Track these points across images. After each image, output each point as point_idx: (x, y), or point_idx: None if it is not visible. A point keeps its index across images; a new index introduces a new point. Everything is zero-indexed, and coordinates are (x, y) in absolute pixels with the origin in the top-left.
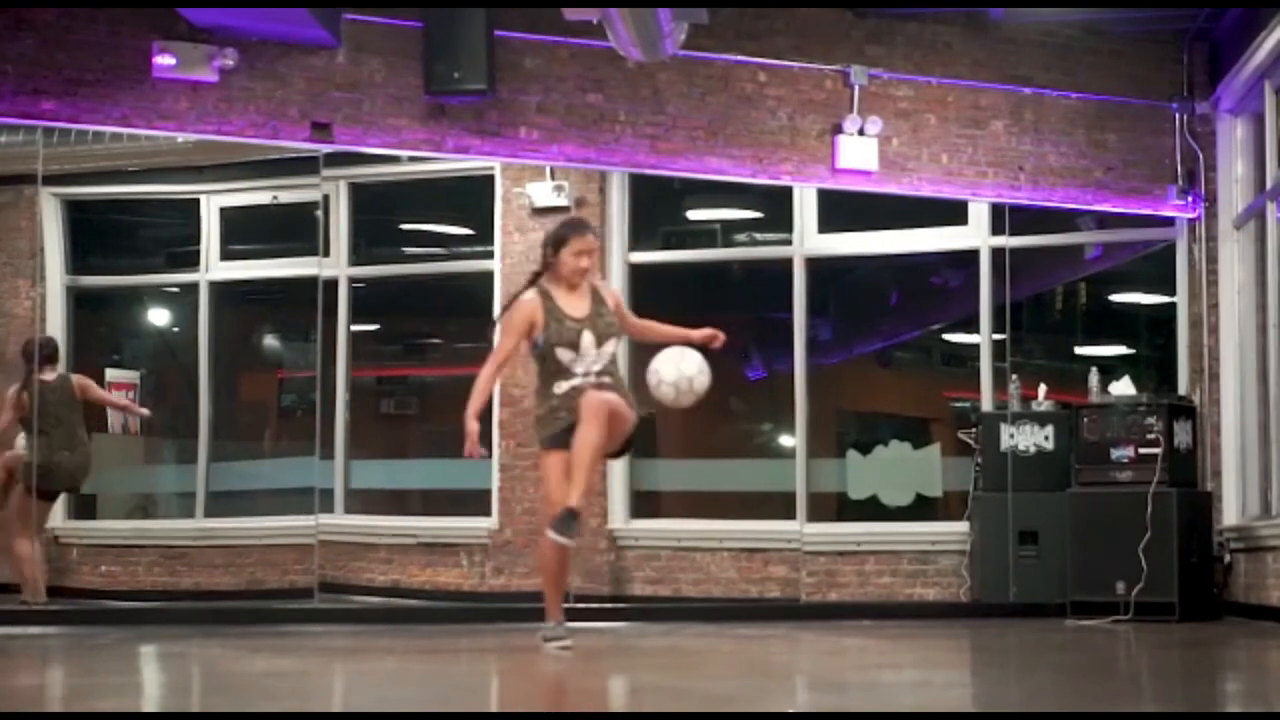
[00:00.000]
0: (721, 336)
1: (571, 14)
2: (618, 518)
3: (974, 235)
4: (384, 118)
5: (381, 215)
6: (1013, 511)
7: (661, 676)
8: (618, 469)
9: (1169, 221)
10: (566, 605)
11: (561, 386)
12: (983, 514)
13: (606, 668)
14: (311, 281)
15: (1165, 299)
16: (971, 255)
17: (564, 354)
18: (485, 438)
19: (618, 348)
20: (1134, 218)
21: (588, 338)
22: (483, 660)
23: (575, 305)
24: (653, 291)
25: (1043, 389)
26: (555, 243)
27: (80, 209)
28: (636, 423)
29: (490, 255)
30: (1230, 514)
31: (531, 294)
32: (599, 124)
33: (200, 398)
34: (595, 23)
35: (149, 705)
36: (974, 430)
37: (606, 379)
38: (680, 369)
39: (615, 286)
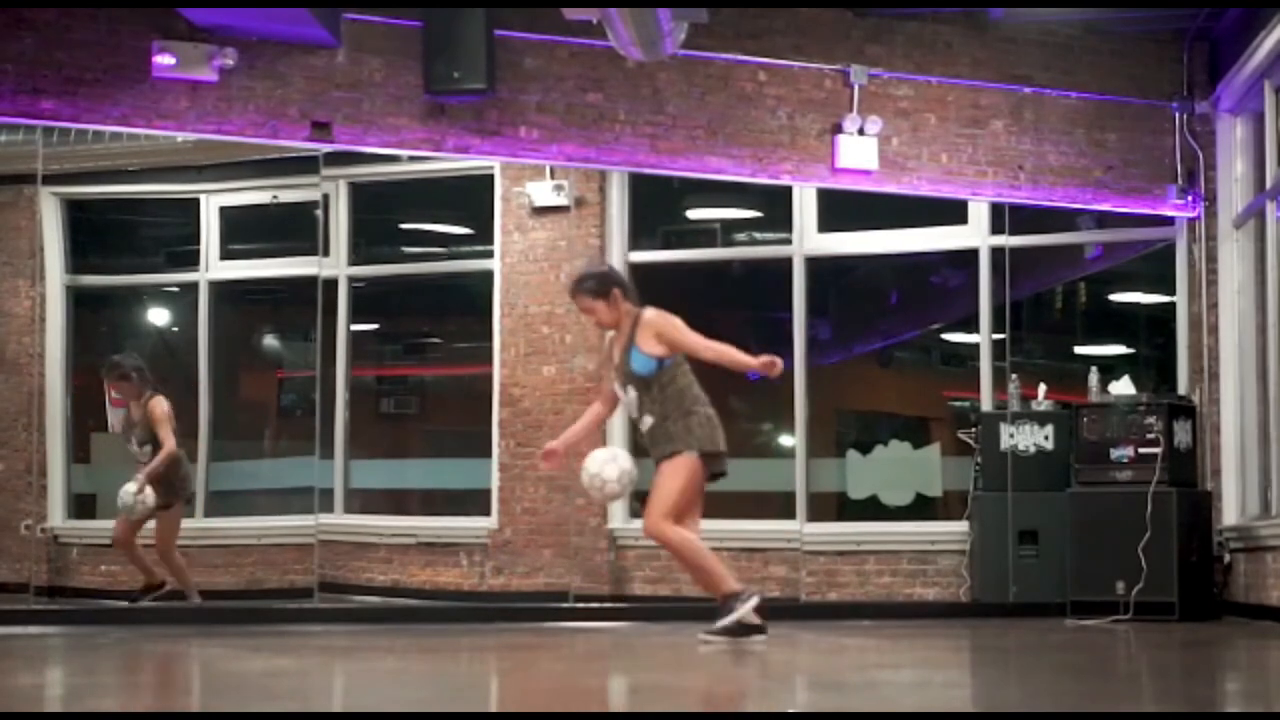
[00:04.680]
0: (777, 366)
1: (571, 14)
2: (618, 518)
3: (974, 235)
4: (384, 117)
5: (381, 215)
6: (1012, 511)
7: (661, 676)
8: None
9: (1169, 221)
10: (567, 605)
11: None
12: (982, 514)
13: (606, 668)
14: (311, 281)
15: (1165, 299)
16: (971, 255)
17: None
18: (484, 438)
19: (667, 385)
20: (1134, 217)
21: (617, 385)
22: (483, 660)
23: (616, 348)
24: (653, 291)
25: (1042, 389)
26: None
27: (80, 208)
28: (699, 452)
29: (490, 255)
30: (1230, 514)
31: (610, 333)
32: (599, 123)
33: (200, 397)
34: (595, 22)
35: (149, 705)
36: (974, 430)
37: (650, 422)
38: (598, 472)
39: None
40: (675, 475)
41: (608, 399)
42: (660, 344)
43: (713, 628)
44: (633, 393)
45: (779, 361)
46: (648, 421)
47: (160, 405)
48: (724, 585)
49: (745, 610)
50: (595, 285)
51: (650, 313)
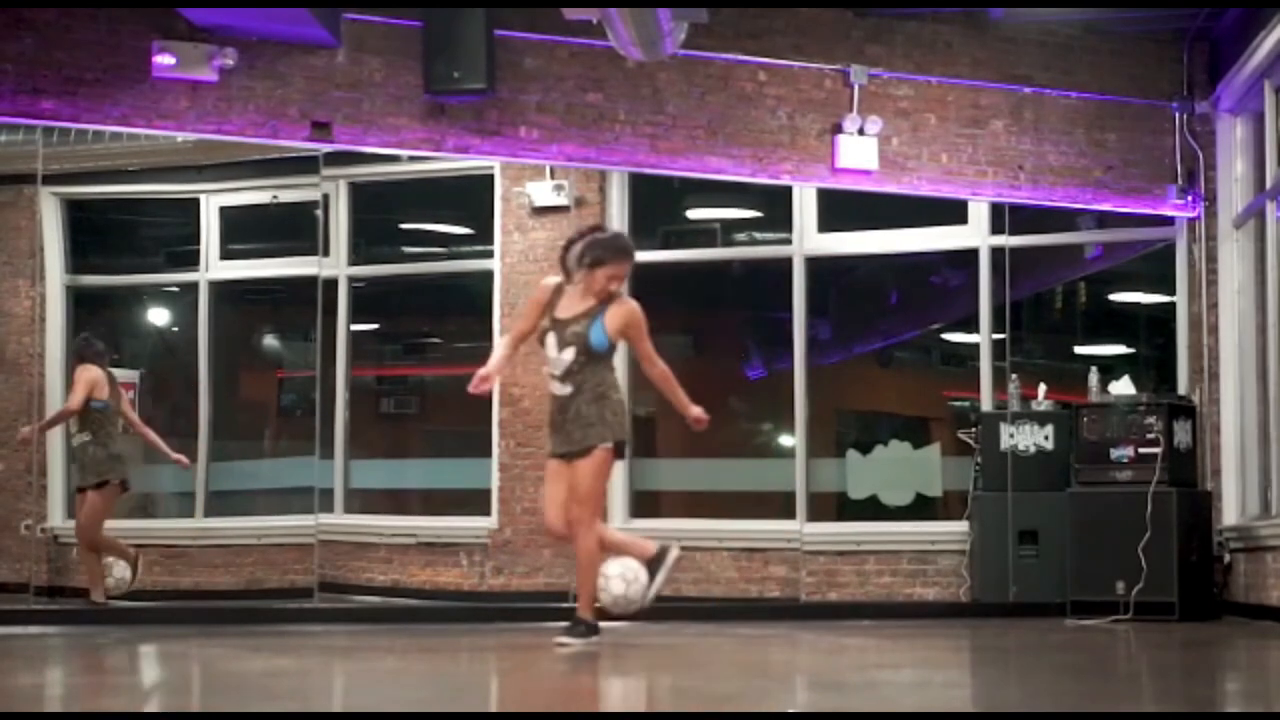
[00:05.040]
0: (706, 421)
1: (571, 14)
2: (618, 517)
3: (974, 235)
4: (384, 117)
5: (381, 215)
6: (1013, 511)
7: (661, 676)
8: (618, 469)
9: (1169, 221)
10: (567, 605)
11: (550, 387)
12: (983, 514)
13: (606, 668)
14: (311, 281)
15: (1165, 299)
16: (971, 255)
17: (546, 350)
18: (484, 438)
19: (600, 361)
20: (1134, 217)
21: (551, 339)
22: (483, 660)
23: (572, 307)
24: (653, 291)
25: (1042, 389)
26: (594, 261)
27: (80, 208)
28: (614, 443)
29: (490, 255)
30: (1230, 514)
31: (554, 279)
32: (599, 123)
33: (200, 397)
34: (595, 22)
35: (149, 705)
36: (974, 430)
37: (567, 391)
38: (626, 592)
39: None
40: (599, 474)
41: (522, 333)
42: (622, 335)
43: (563, 640)
44: (569, 354)
45: (706, 419)
46: (566, 389)
47: (84, 371)
48: (588, 607)
49: (581, 643)
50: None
51: (632, 304)
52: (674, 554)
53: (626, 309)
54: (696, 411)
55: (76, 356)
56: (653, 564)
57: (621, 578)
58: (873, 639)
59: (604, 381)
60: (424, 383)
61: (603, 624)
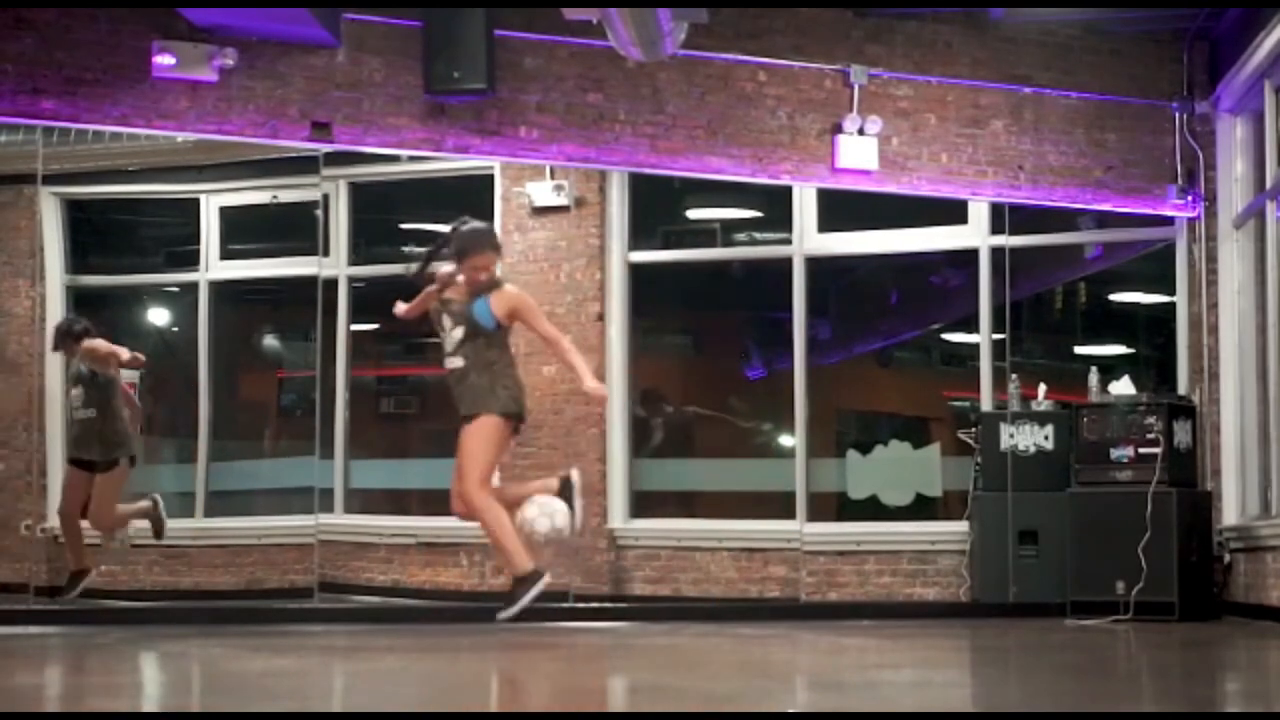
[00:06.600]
0: (602, 395)
1: (571, 14)
2: (618, 517)
3: (974, 235)
4: (384, 117)
5: (381, 215)
6: (1012, 511)
7: (661, 676)
8: (617, 469)
9: (1169, 221)
10: (567, 605)
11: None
12: (982, 514)
13: (606, 668)
14: (311, 281)
15: (1165, 299)
16: (971, 255)
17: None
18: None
19: (489, 343)
20: (1134, 217)
21: (446, 319)
22: (483, 660)
23: (459, 292)
24: (653, 291)
25: (1042, 389)
26: (459, 253)
27: (80, 208)
28: (502, 414)
29: None
30: (1230, 514)
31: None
32: (599, 123)
33: (200, 397)
34: (595, 22)
35: (149, 705)
36: (974, 430)
37: (458, 363)
38: (553, 523)
39: (510, 293)
40: (484, 439)
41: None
42: (512, 319)
43: (505, 613)
44: (459, 333)
45: (603, 394)
46: (457, 362)
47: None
48: (518, 565)
49: (530, 598)
50: None
51: (515, 290)
52: (575, 475)
53: (514, 294)
54: (592, 384)
55: (77, 337)
56: (563, 494)
57: (543, 514)
58: (873, 639)
59: (499, 362)
60: (424, 383)
61: (602, 624)
